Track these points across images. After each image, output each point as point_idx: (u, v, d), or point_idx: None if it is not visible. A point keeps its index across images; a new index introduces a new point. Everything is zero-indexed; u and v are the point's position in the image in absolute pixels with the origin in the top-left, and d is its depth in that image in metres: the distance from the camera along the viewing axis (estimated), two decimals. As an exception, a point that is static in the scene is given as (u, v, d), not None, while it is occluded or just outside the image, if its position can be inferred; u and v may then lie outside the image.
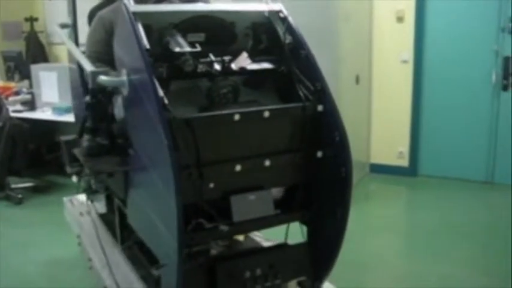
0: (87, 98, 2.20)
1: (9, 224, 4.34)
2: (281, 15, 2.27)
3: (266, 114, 1.99)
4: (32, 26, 7.09)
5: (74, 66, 3.07)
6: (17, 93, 5.70)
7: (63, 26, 3.04)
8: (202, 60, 2.02)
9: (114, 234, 2.85)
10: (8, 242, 3.95)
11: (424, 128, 5.63)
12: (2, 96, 5.13)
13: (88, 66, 2.30)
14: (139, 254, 2.48)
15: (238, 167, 1.96)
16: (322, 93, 2.08)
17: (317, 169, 2.13)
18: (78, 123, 3.04)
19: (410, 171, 5.59)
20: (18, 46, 6.80)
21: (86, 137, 2.39)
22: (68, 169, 2.80)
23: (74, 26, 3.03)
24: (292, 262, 2.20)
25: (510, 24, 5.06)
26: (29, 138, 4.97)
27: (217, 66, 2.04)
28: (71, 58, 3.16)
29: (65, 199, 3.65)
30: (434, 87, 5.50)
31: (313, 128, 2.10)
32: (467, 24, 5.24)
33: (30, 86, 5.66)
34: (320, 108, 2.08)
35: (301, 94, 2.10)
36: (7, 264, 3.58)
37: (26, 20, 7.11)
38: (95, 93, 2.06)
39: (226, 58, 2.07)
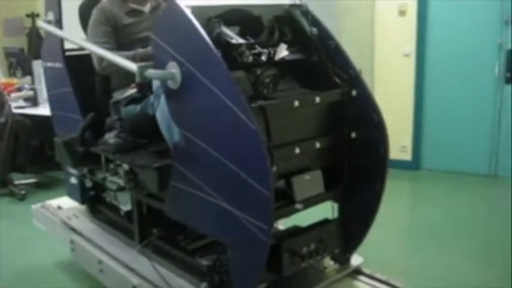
0: (127, 94, 2.25)
1: (13, 219, 4.36)
2: (302, 9, 2.41)
3: (317, 99, 2.18)
4: (33, 22, 7.08)
5: (51, 64, 3.06)
6: (19, 89, 5.71)
7: (49, 22, 2.94)
8: (252, 51, 2.15)
9: (125, 233, 2.86)
10: (11, 237, 3.96)
11: (427, 122, 5.62)
12: (5, 93, 5.13)
13: (124, 61, 2.29)
14: (170, 248, 2.58)
15: (297, 150, 2.12)
16: (355, 79, 2.29)
17: (354, 149, 2.32)
18: (61, 122, 3.08)
19: (413, 165, 5.58)
20: (20, 42, 6.81)
21: (109, 134, 2.46)
22: (74, 171, 2.83)
23: (59, 22, 2.93)
24: (333, 237, 2.40)
25: (513, 17, 5.04)
26: (31, 135, 4.98)
27: (263, 57, 2.18)
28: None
29: (34, 207, 3.55)
30: (437, 80, 5.49)
31: (349, 111, 2.30)
32: (470, 17, 5.23)
33: (33, 82, 5.66)
34: (354, 93, 2.28)
35: (337, 80, 2.29)
36: (9, 261, 3.59)
37: (28, 16, 7.12)
38: (142, 88, 2.11)
39: (271, 49, 2.20)
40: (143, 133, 2.44)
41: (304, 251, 2.25)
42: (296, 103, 2.11)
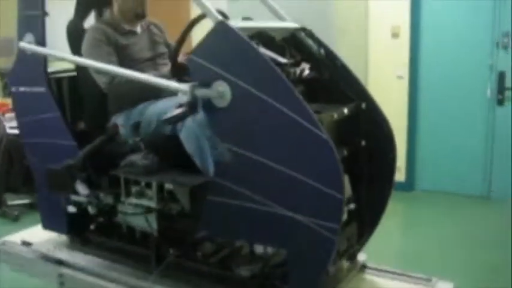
0: (174, 113, 2.23)
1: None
2: (307, 32, 2.60)
3: (345, 111, 2.36)
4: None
5: (25, 89, 2.89)
6: (13, 109, 5.69)
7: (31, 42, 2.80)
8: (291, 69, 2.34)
9: (132, 258, 2.78)
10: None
11: (420, 143, 5.65)
12: (-1, 113, 5.14)
13: (166, 81, 2.37)
14: (200, 265, 2.58)
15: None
16: (364, 93, 2.49)
17: (365, 156, 2.48)
18: (44, 150, 2.90)
19: (407, 186, 5.59)
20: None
21: (134, 156, 2.46)
22: (87, 197, 2.67)
23: (41, 44, 2.76)
24: (354, 236, 2.54)
25: (505, 39, 5.10)
26: (25, 155, 4.96)
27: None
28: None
29: None
30: (430, 102, 5.54)
31: (360, 122, 2.48)
32: (462, 39, 5.29)
33: (27, 102, 5.65)
34: (363, 105, 2.47)
35: (349, 95, 2.48)
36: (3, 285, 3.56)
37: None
38: (193, 106, 2.17)
39: (297, 69, 2.40)
40: (167, 154, 2.48)
41: (342, 249, 2.38)
42: (335, 116, 2.28)
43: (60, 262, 2.96)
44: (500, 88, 5.17)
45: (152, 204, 2.41)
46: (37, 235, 3.21)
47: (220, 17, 2.15)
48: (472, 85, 5.30)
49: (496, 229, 4.52)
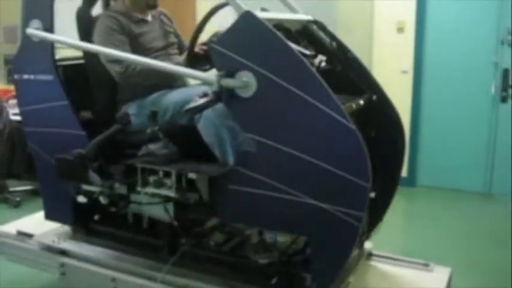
0: (199, 103, 2.24)
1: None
2: (319, 24, 2.65)
3: (361, 102, 2.44)
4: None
5: (30, 76, 2.83)
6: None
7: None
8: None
9: (143, 248, 2.79)
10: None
11: (423, 139, 5.66)
12: (3, 99, 5.12)
13: (192, 71, 2.40)
14: (217, 254, 2.60)
15: None
16: (375, 86, 2.58)
17: (377, 143, 2.50)
18: (49, 140, 2.85)
19: (409, 181, 5.60)
20: (19, 49, 6.80)
21: (153, 145, 2.46)
22: (101, 186, 2.63)
23: (49, 30, 2.72)
24: (366, 222, 2.59)
25: (509, 37, 5.10)
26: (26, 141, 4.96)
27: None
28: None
29: None
30: (434, 97, 5.54)
31: (372, 113, 2.57)
32: (467, 36, 5.29)
33: (31, 89, 5.64)
34: (374, 97, 2.56)
35: (362, 87, 2.56)
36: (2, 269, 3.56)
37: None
38: (219, 96, 2.18)
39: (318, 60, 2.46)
40: (185, 143, 2.50)
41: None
42: (354, 106, 2.35)
43: (64, 253, 2.94)
44: (504, 85, 5.14)
45: (171, 193, 2.40)
46: (37, 225, 3.18)
47: (245, 7, 2.16)
48: (476, 82, 5.31)
49: (497, 225, 4.54)
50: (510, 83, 5.08)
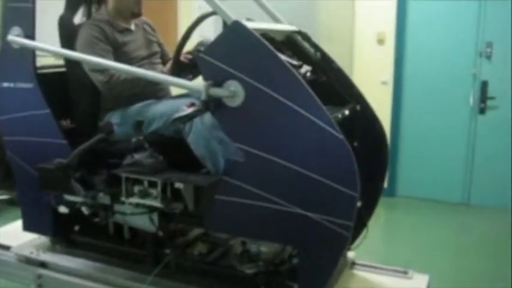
0: (185, 113, 2.21)
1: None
2: (303, 35, 2.65)
3: (346, 112, 2.46)
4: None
5: (8, 84, 2.76)
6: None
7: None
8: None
9: (124, 259, 2.75)
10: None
11: (403, 150, 5.70)
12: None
13: (180, 80, 2.37)
14: (205, 265, 2.59)
15: None
16: (358, 96, 2.59)
17: (360, 154, 2.49)
18: (28, 149, 2.79)
19: (389, 192, 5.61)
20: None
21: (139, 155, 2.42)
22: (84, 197, 2.56)
23: (30, 37, 2.67)
24: None
25: (488, 49, 5.18)
26: (4, 149, 4.88)
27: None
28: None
29: None
30: (413, 108, 5.60)
31: (355, 123, 2.56)
32: (447, 48, 5.36)
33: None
34: (358, 107, 2.58)
35: (346, 97, 2.57)
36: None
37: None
38: (207, 105, 2.16)
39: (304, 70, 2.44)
40: (172, 153, 2.48)
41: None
42: (339, 115, 2.36)
43: (43, 265, 2.88)
44: (483, 97, 5.24)
45: (157, 203, 2.37)
46: (14, 236, 3.10)
47: (234, 17, 2.15)
48: (455, 93, 5.37)
49: (475, 235, 4.59)
50: (488, 95, 5.18)
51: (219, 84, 2.15)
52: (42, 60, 3.11)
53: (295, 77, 2.07)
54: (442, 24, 5.36)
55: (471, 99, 5.30)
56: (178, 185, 2.30)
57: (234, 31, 2.15)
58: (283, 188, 2.16)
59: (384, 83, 5.60)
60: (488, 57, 5.20)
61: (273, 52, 2.10)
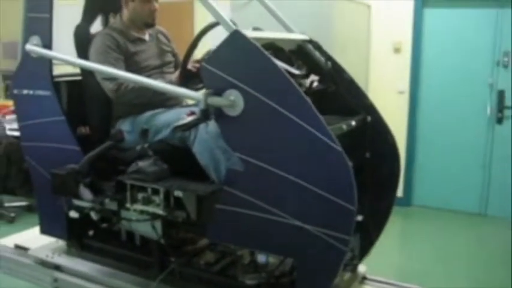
0: (185, 121, 2.25)
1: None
2: (314, 44, 2.64)
3: (353, 123, 2.44)
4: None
5: (28, 91, 2.86)
6: (14, 111, 5.69)
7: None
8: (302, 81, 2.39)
9: (133, 265, 2.77)
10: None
11: (419, 159, 5.68)
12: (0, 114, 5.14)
13: (181, 89, 2.39)
14: (209, 275, 2.58)
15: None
16: (370, 107, 2.58)
17: (371, 165, 2.57)
18: (45, 155, 2.85)
19: (405, 201, 5.60)
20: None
21: (143, 162, 2.42)
22: (92, 202, 2.60)
23: (48, 47, 2.74)
24: (357, 246, 2.65)
25: (505, 58, 5.14)
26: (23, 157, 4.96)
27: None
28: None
29: None
30: (430, 118, 5.57)
31: (366, 134, 2.57)
32: (463, 57, 5.33)
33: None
34: (369, 119, 2.57)
35: (356, 108, 2.56)
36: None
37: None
38: (207, 114, 2.18)
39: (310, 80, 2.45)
40: (175, 162, 2.48)
41: (346, 259, 2.40)
42: (344, 126, 2.34)
43: (57, 267, 2.93)
44: (500, 107, 5.19)
45: (159, 211, 2.39)
46: (32, 239, 3.18)
47: (234, 27, 2.15)
48: (472, 103, 5.34)
49: (492, 246, 4.54)
50: (506, 104, 5.13)
51: (219, 93, 2.15)
52: (64, 69, 3.19)
53: (293, 87, 2.06)
54: (458, 33, 5.33)
55: (488, 109, 5.27)
56: (178, 193, 2.32)
57: (234, 40, 2.15)
58: (281, 199, 2.14)
59: (401, 92, 5.59)
60: (506, 66, 5.16)
61: (272, 62, 2.10)
